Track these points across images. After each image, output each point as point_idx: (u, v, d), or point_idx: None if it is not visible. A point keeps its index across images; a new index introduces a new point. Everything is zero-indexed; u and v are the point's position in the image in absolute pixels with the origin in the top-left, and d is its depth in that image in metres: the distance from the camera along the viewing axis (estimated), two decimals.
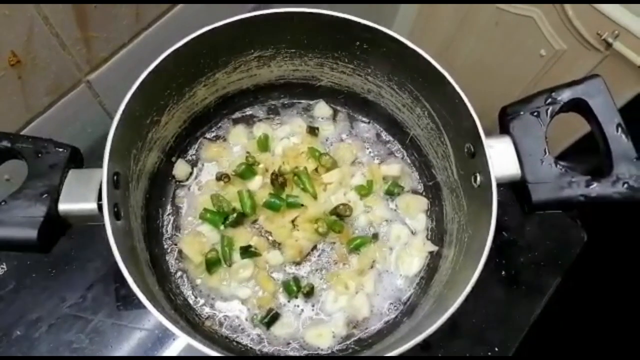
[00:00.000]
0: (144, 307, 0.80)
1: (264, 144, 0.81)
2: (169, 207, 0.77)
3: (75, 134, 0.91)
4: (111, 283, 0.82)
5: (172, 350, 0.78)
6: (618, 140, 0.59)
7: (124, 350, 0.78)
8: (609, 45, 1.19)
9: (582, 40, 1.25)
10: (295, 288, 0.72)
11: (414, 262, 0.76)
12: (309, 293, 0.73)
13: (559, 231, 0.91)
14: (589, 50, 1.25)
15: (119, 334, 0.79)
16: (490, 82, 1.46)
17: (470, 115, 0.62)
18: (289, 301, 0.73)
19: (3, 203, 0.56)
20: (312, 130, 0.82)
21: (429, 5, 1.53)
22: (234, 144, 0.82)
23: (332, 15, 0.66)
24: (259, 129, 0.83)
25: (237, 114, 0.84)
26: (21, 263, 0.81)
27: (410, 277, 0.75)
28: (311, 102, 0.86)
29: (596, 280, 0.94)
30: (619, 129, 0.60)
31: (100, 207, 0.57)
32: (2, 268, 0.81)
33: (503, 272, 0.87)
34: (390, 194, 0.80)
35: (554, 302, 0.85)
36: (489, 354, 0.82)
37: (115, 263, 0.82)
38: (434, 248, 0.76)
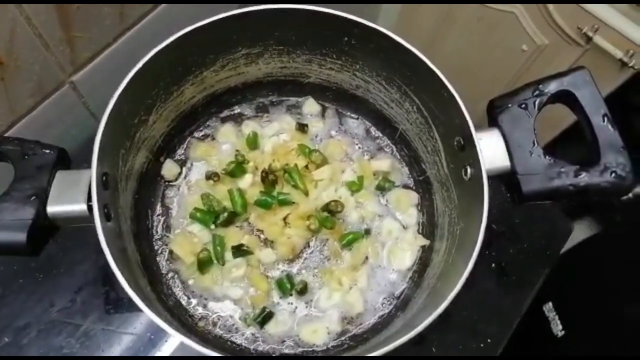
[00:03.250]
0: (134, 310, 0.81)
1: (253, 142, 0.80)
2: (158, 207, 0.77)
3: (60, 136, 0.90)
4: (100, 286, 0.80)
5: (164, 352, 0.77)
6: (605, 130, 0.60)
7: (115, 353, 0.77)
8: (589, 39, 1.21)
9: (563, 35, 1.27)
10: (289, 286, 0.72)
11: (406, 256, 0.76)
12: (303, 290, 0.72)
13: (547, 222, 0.92)
14: (570, 44, 1.27)
15: (110, 337, 0.78)
16: (473, 78, 1.47)
17: (460, 108, 0.63)
18: (281, 299, 0.73)
19: None
20: (302, 127, 0.82)
21: (409, 10, 1.54)
22: (222, 142, 0.82)
23: (321, 12, 0.66)
24: (248, 127, 0.82)
25: (226, 112, 0.84)
26: (7, 269, 0.80)
27: (403, 271, 0.76)
28: (299, 99, 0.85)
29: (586, 269, 0.96)
30: (605, 119, 0.61)
31: (90, 208, 0.56)
32: None
33: (493, 264, 0.88)
34: (381, 189, 0.80)
35: (543, 292, 0.86)
36: (482, 345, 0.82)
37: (104, 266, 0.82)
38: (426, 242, 0.76)
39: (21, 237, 0.53)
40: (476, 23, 1.43)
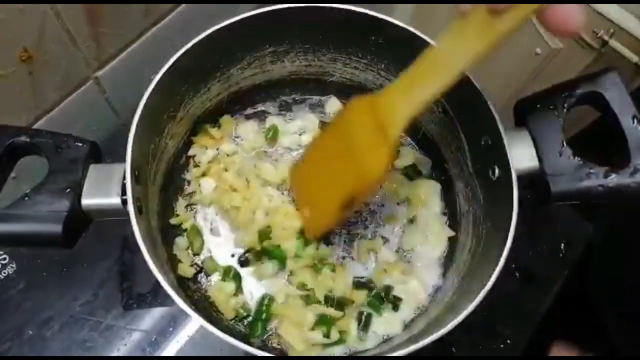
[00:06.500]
0: (155, 304, 0.81)
1: (273, 137, 0.81)
2: (185, 201, 0.77)
3: (82, 131, 0.89)
4: (123, 281, 0.81)
5: (183, 344, 0.78)
6: (634, 131, 0.60)
7: (136, 347, 0.77)
8: (604, 44, 1.21)
9: (577, 39, 1.27)
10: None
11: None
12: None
13: (566, 224, 0.92)
14: (584, 48, 1.27)
15: (132, 331, 0.78)
16: (487, 81, 1.47)
17: (489, 108, 0.63)
18: None
19: (26, 198, 0.55)
20: (325, 126, 0.82)
21: (425, 5, 1.54)
22: (245, 139, 0.82)
23: (351, 10, 0.67)
24: (271, 124, 0.83)
25: (249, 110, 0.84)
26: (31, 262, 0.80)
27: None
28: (322, 98, 0.85)
29: (603, 273, 0.96)
30: (635, 121, 0.61)
31: (124, 201, 0.57)
32: (12, 267, 0.79)
33: (513, 265, 0.88)
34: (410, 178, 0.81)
35: (563, 294, 0.86)
36: (502, 346, 0.83)
37: (127, 261, 0.83)
38: (452, 233, 0.77)
39: (57, 228, 0.54)
40: None
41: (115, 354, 0.76)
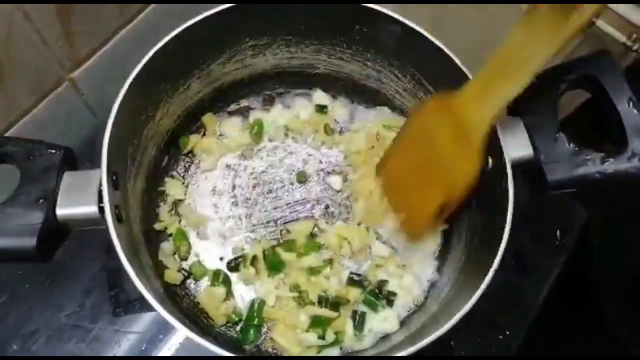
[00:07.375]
0: (144, 311, 0.79)
1: (258, 132, 0.78)
2: (168, 206, 0.74)
3: (60, 134, 0.87)
4: (109, 289, 0.78)
5: (175, 350, 0.75)
6: (631, 115, 0.59)
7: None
8: (592, 24, 1.19)
9: None
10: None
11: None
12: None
13: (561, 211, 0.90)
14: None
15: (120, 340, 0.76)
16: (477, 68, 1.45)
17: None
18: None
19: None
20: (321, 109, 0.81)
21: None
22: (229, 136, 0.79)
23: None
24: (255, 119, 0.80)
25: (232, 107, 0.81)
26: (12, 274, 0.77)
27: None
28: (308, 91, 0.83)
29: (601, 258, 0.95)
30: (631, 104, 0.59)
31: (101, 209, 0.54)
32: None
33: (508, 255, 0.86)
34: None
35: (561, 282, 0.85)
36: (500, 337, 0.81)
37: (112, 268, 0.80)
38: (445, 226, 0.75)
39: (31, 242, 0.51)
40: (477, 11, 1.40)
41: None
